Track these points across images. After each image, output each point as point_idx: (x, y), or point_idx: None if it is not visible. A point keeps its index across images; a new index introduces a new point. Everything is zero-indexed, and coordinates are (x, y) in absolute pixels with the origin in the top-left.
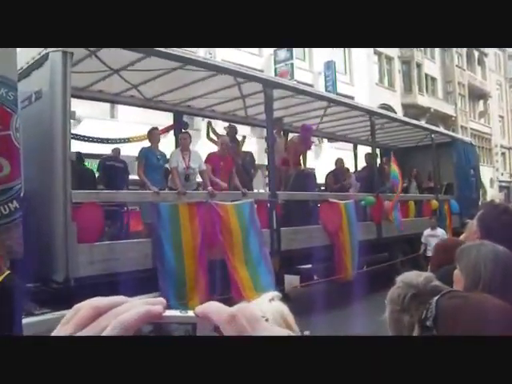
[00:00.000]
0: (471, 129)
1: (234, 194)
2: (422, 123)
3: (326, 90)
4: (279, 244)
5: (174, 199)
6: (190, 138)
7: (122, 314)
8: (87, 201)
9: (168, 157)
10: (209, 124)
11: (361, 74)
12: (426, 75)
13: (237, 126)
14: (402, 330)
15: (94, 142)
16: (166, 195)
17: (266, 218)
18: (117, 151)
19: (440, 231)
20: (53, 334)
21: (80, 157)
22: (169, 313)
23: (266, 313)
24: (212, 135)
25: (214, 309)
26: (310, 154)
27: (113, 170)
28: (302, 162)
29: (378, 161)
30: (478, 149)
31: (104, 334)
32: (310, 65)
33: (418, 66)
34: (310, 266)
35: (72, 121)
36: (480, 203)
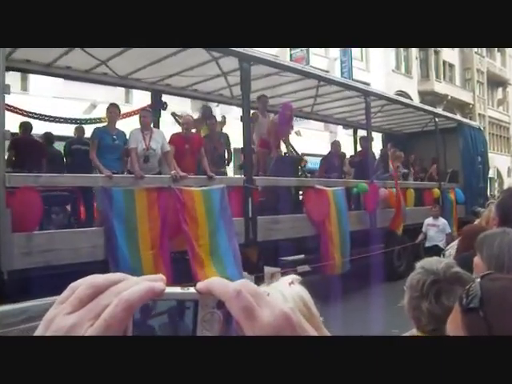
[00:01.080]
0: (489, 117)
1: (204, 179)
2: (425, 106)
3: (341, 77)
4: (255, 234)
5: (131, 184)
6: (152, 115)
7: (122, 291)
8: (24, 185)
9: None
10: (173, 114)
11: (377, 61)
12: (444, 62)
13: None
14: (421, 317)
15: (60, 122)
16: (121, 179)
17: (241, 206)
18: (80, 130)
19: (442, 221)
20: (48, 315)
21: (49, 138)
22: (169, 289)
23: (286, 296)
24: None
25: (219, 284)
26: (324, 140)
27: (79, 154)
28: (285, 145)
29: (380, 146)
30: (496, 137)
31: (106, 312)
32: (325, 51)
33: (436, 52)
34: (293, 257)
35: (87, 106)
36: (499, 191)
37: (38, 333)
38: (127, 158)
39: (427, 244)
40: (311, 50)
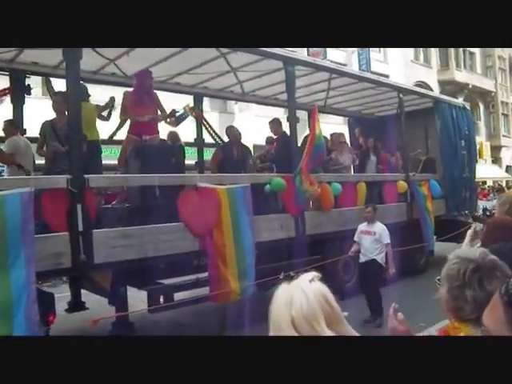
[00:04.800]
0: None
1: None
2: (386, 80)
3: (359, 69)
4: (90, 254)
5: None
6: None
7: None
8: None
9: None
10: (47, 81)
11: (395, 51)
12: (464, 50)
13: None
14: (464, 306)
15: None
16: None
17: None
18: None
19: (378, 227)
20: None
21: None
22: None
23: (307, 293)
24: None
25: None
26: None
27: None
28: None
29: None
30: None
31: None
32: None
33: None
34: (170, 281)
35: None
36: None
37: None
38: None
39: (362, 258)
40: None
